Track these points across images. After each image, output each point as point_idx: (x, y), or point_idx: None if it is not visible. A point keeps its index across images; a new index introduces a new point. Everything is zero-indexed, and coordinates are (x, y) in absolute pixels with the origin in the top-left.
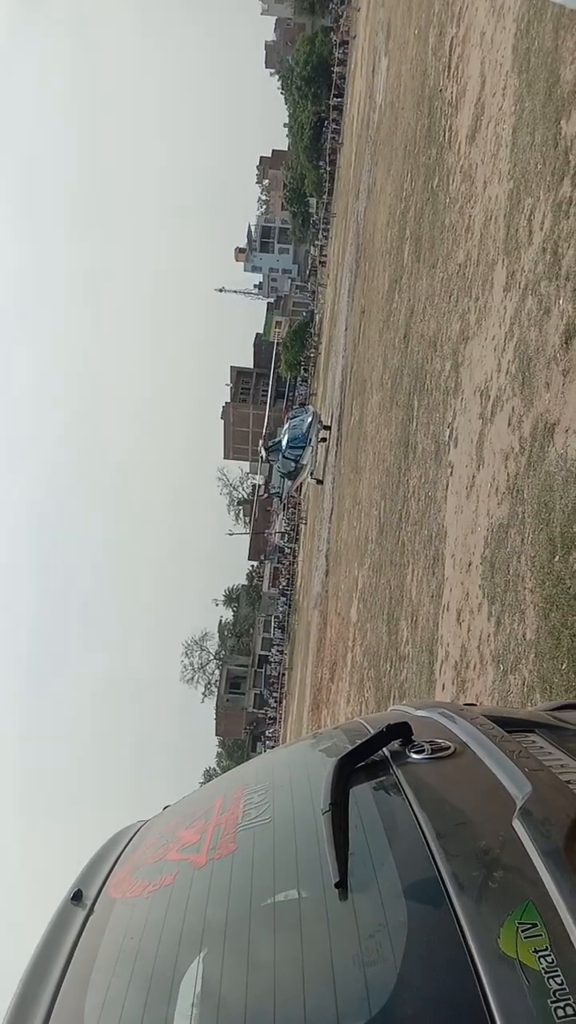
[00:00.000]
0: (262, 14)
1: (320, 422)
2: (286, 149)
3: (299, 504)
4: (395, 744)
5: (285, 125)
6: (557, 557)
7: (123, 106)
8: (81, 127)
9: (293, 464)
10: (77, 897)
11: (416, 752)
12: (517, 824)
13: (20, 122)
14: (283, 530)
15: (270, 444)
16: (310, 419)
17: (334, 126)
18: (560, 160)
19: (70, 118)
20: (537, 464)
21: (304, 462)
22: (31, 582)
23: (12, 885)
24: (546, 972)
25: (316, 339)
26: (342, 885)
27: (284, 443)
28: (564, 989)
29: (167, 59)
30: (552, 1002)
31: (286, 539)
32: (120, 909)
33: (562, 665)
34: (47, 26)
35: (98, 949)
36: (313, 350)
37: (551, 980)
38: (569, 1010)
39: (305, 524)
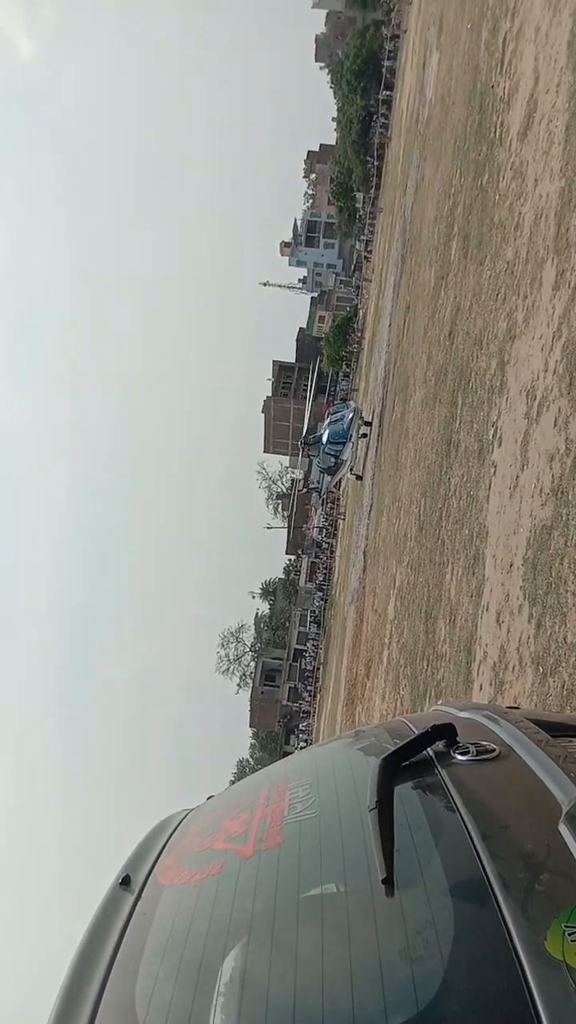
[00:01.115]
0: (313, 7)
1: (361, 418)
2: (334, 143)
3: (338, 500)
4: (439, 745)
5: (333, 119)
6: None
7: (172, 97)
8: (132, 118)
9: (333, 459)
10: (126, 882)
11: (461, 753)
12: (563, 828)
13: (70, 112)
14: (321, 525)
15: (310, 439)
16: (351, 415)
17: (383, 120)
18: None
19: (121, 109)
20: None
21: (344, 458)
22: (73, 570)
23: (54, 868)
24: None
25: (359, 334)
26: (389, 881)
27: (324, 438)
28: None
29: (217, 50)
30: None
31: (324, 534)
32: (168, 896)
33: None
34: (96, 16)
35: (147, 935)
36: (356, 345)
37: None
38: None
39: (343, 520)
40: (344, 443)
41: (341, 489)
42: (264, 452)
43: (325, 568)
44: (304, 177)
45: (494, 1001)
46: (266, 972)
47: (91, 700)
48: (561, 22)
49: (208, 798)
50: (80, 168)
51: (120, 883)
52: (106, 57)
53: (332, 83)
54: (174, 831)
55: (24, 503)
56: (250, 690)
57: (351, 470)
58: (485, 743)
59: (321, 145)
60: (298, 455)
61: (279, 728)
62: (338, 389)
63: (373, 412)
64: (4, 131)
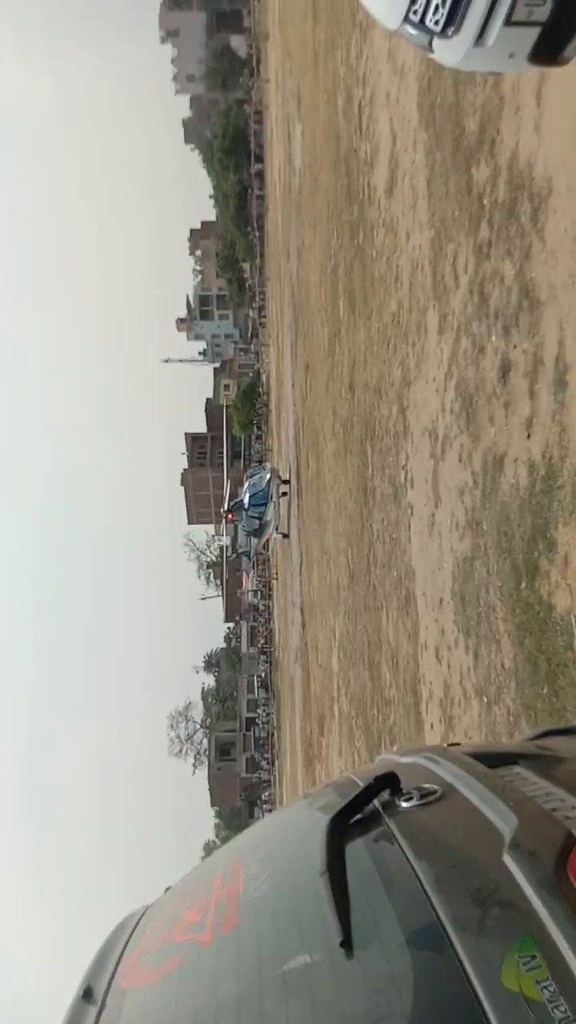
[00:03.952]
0: (176, 94)
1: (279, 477)
2: (214, 219)
3: (268, 560)
4: (385, 794)
5: (210, 196)
6: (523, 584)
7: (45, 194)
8: (9, 213)
9: (257, 521)
10: (87, 994)
11: (405, 800)
12: (507, 858)
13: None
14: (255, 588)
15: (232, 504)
16: (268, 475)
17: (258, 192)
18: (475, 205)
19: None
20: (492, 496)
21: (268, 518)
22: None
23: (17, 986)
24: (549, 1002)
25: (265, 397)
26: (347, 943)
27: (246, 501)
28: (568, 1017)
29: (86, 144)
30: None
31: (259, 597)
32: (132, 999)
33: (543, 690)
34: None
35: None
36: (264, 408)
37: (555, 1009)
38: None
39: (277, 579)
40: (266, 504)
41: (270, 549)
42: (189, 524)
43: (265, 631)
44: (190, 254)
45: None
46: None
47: (39, 806)
48: (408, 86)
49: (166, 890)
50: None
51: (82, 996)
52: None
53: (204, 162)
54: (133, 930)
55: None
56: (207, 768)
57: (276, 529)
58: (427, 785)
59: (202, 222)
60: (222, 522)
61: (242, 802)
62: (253, 452)
63: (289, 470)
64: None
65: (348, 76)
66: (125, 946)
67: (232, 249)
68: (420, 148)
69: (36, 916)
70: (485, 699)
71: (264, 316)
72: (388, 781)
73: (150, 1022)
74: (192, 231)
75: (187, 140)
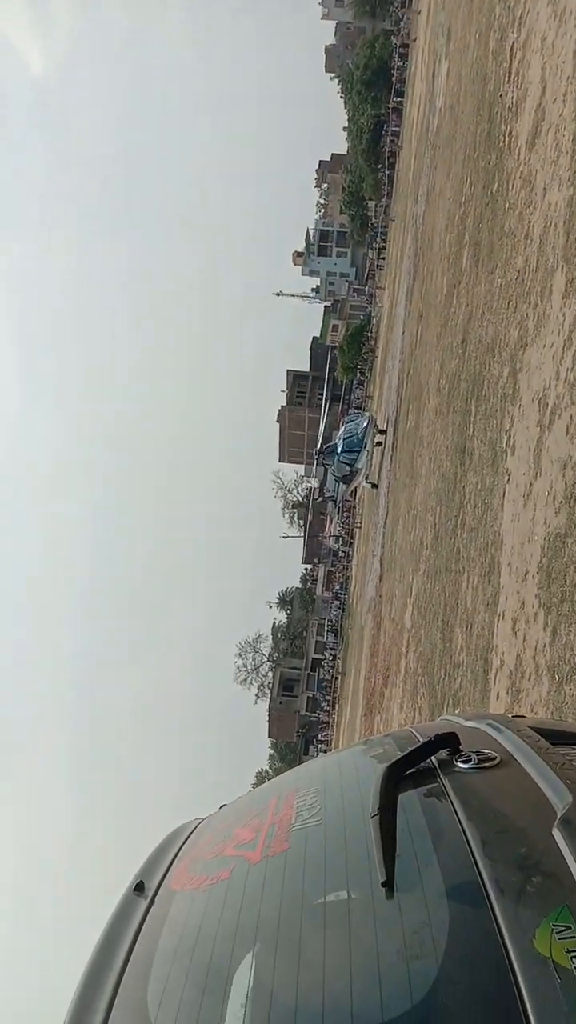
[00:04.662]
0: (322, 19)
1: (376, 426)
2: (345, 153)
3: (354, 508)
4: (443, 753)
5: (344, 129)
6: None
7: (178, 110)
8: (136, 130)
9: (348, 468)
10: (139, 888)
11: (463, 762)
12: (557, 833)
13: (80, 127)
14: (337, 534)
15: (325, 448)
16: (365, 423)
17: (394, 129)
18: None
19: (130, 122)
20: None
21: (359, 466)
22: (80, 579)
23: (70, 876)
24: None
25: (373, 342)
26: (388, 884)
27: (339, 447)
28: None
29: (224, 63)
30: None
31: (340, 543)
32: (179, 901)
33: None
34: (102, 29)
35: (159, 939)
36: (369, 353)
37: None
38: None
39: (359, 528)
40: (359, 452)
41: (357, 498)
42: (279, 461)
43: (342, 577)
44: (316, 187)
45: (484, 996)
46: (271, 972)
47: (102, 710)
48: (567, 32)
49: (220, 807)
50: (88, 183)
51: (134, 889)
52: (116, 72)
53: (342, 93)
54: (187, 839)
55: (26, 519)
56: (268, 700)
57: (366, 479)
58: (487, 751)
59: (332, 155)
60: (313, 464)
61: (298, 739)
62: (352, 397)
63: (387, 420)
64: (14, 149)
65: (504, 15)
66: (178, 852)
67: (360, 185)
68: (570, 100)
69: (87, 822)
70: (556, 677)
71: (383, 258)
72: (448, 741)
73: (194, 925)
74: (321, 162)
75: (328, 68)
